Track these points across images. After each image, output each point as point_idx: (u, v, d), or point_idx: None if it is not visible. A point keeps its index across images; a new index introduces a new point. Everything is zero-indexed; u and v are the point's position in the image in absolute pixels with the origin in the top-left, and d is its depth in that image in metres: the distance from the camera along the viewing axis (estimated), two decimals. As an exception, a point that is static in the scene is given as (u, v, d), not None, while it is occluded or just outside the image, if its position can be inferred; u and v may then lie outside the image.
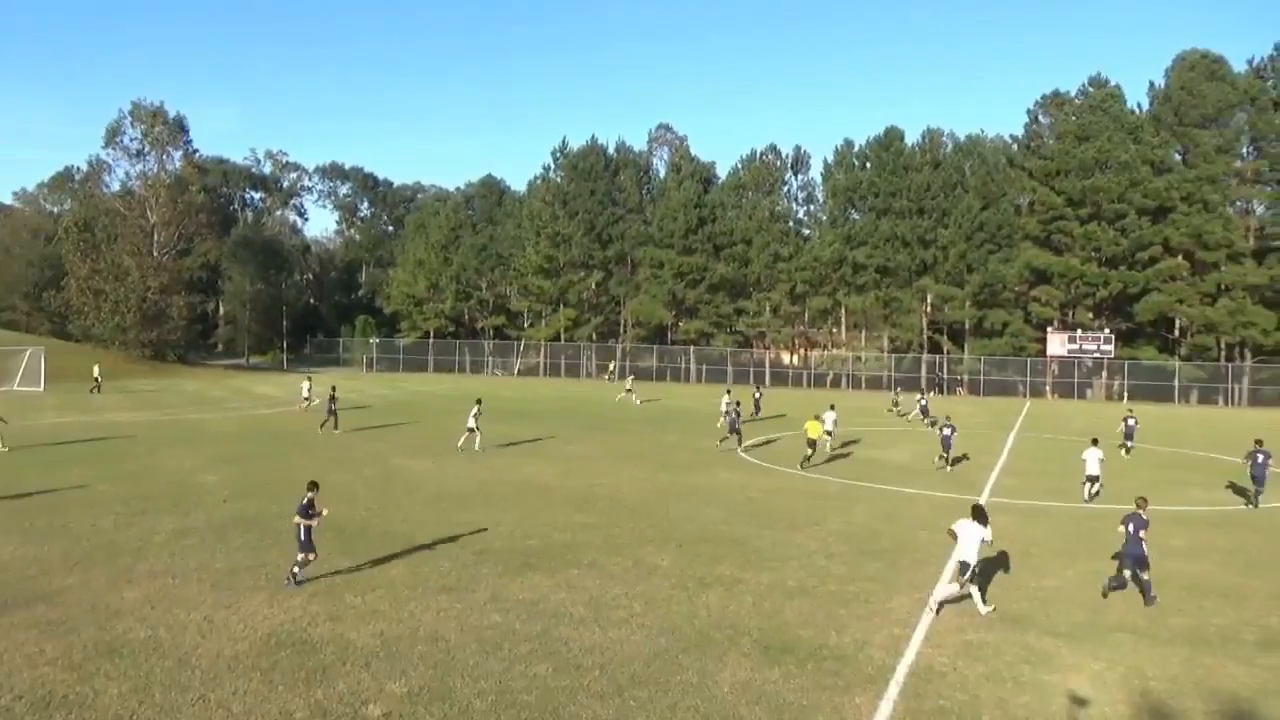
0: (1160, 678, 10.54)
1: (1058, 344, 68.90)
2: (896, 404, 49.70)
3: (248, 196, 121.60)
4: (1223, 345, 68.00)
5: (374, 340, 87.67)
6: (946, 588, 13.25)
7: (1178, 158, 69.24)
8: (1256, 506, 22.74)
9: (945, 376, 72.27)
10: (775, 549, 16.25)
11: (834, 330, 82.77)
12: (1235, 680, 10.54)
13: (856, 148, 79.33)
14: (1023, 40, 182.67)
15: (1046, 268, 69.88)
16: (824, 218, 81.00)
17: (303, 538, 13.14)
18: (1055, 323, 71.51)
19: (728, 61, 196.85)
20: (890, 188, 74.40)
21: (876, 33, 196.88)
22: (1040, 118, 78.43)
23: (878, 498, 22.12)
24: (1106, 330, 68.91)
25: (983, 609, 12.71)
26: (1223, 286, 66.63)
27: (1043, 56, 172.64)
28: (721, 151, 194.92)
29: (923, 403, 43.15)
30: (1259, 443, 23.78)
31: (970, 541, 12.84)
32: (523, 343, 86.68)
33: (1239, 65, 69.51)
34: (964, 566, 12.83)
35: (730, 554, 15.75)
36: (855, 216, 78.04)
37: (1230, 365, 67.71)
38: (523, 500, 20.33)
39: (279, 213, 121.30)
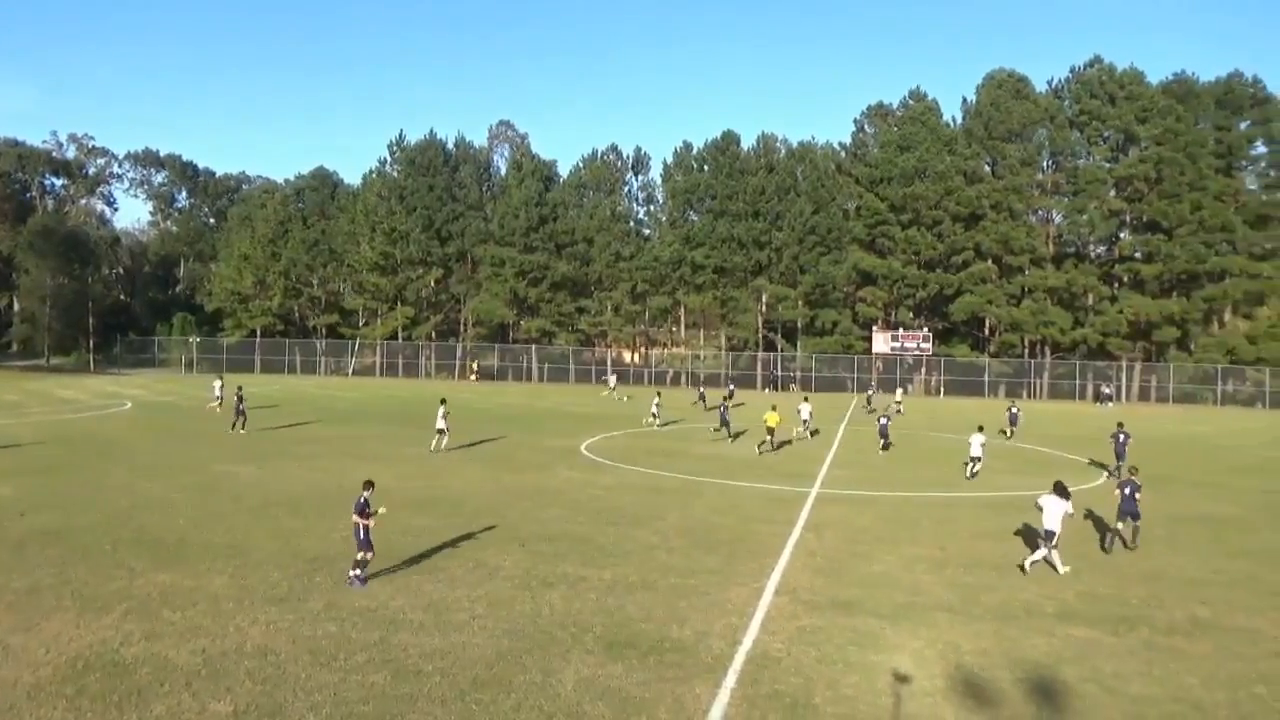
0: (973, 651, 11.32)
1: (882, 342, 72.94)
2: (869, 402, 52.87)
3: (48, 183, 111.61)
4: (1026, 343, 73.85)
5: (194, 339, 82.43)
6: (1039, 553, 15.35)
7: (987, 169, 74.61)
8: (1119, 477, 25.66)
9: (779, 374, 75.01)
10: (617, 545, 16.39)
11: (673, 329, 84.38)
12: (1037, 650, 11.46)
13: (695, 150, 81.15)
14: (850, 52, 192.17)
15: (872, 270, 73.83)
16: (664, 218, 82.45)
17: (361, 536, 13.24)
18: (879, 322, 75.62)
19: (569, 60, 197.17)
20: (727, 190, 76.54)
21: (713, 38, 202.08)
22: (866, 127, 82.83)
23: (716, 492, 22.69)
24: (925, 329, 73.50)
25: (1060, 569, 15.08)
26: (1026, 289, 72.38)
27: (868, 69, 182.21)
28: (563, 150, 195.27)
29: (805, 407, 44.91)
30: (1120, 425, 28.73)
31: (1054, 513, 15.15)
32: (358, 342, 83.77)
33: (1041, 85, 75.83)
34: (1049, 535, 15.15)
35: (573, 552, 15.77)
36: (694, 217, 79.82)
37: (1033, 361, 73.64)
38: (359, 504, 19.62)
39: (84, 201, 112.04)
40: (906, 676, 10.38)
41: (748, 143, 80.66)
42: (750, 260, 75.52)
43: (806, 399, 38.41)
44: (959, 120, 77.32)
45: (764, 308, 78.24)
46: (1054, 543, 15.15)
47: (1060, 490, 15.48)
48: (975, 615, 12.87)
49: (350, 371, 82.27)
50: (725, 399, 39.14)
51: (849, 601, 13.27)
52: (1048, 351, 73.78)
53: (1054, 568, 15.18)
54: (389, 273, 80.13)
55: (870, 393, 56.41)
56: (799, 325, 77.64)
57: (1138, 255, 72.31)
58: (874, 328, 74.43)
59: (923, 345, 72.20)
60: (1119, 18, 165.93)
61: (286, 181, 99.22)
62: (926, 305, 76.28)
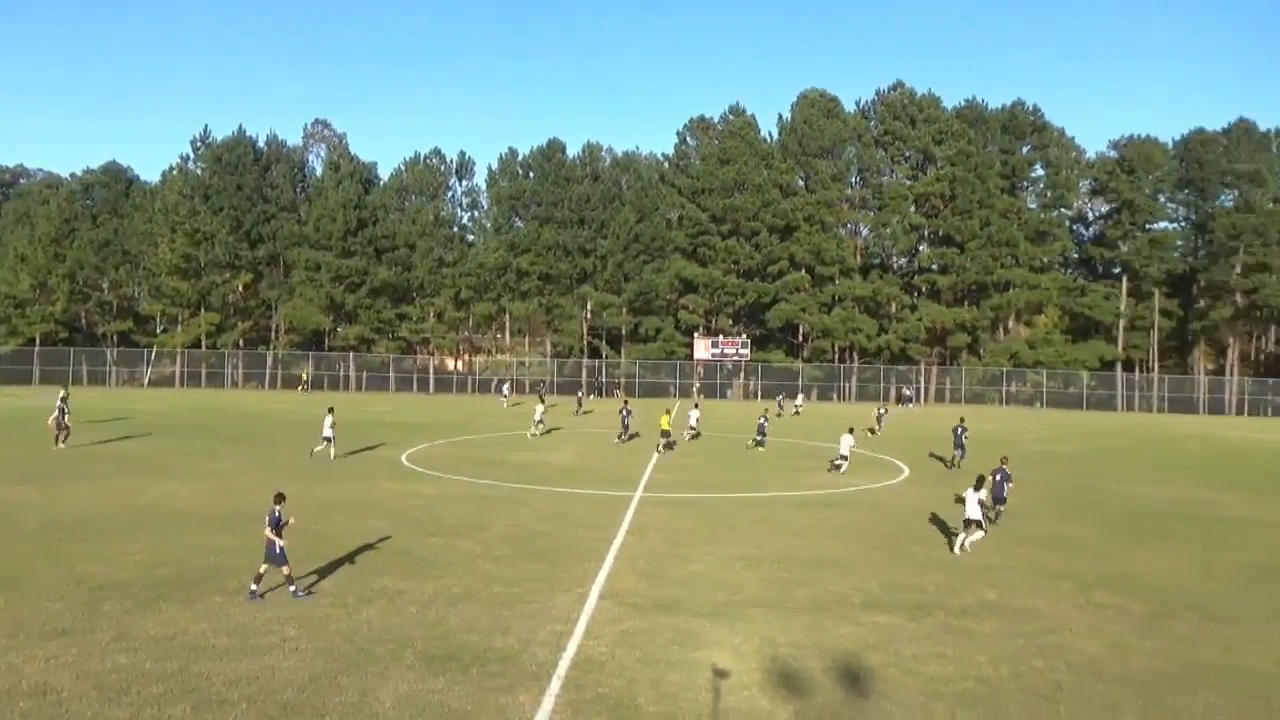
0: (787, 643, 11.79)
1: (703, 348, 75.17)
2: (781, 408, 57.31)
3: None
4: (836, 349, 78.03)
5: (-42, 348, 74.18)
6: (973, 537, 17.52)
7: (801, 183, 78.39)
8: (959, 468, 29.99)
9: (604, 380, 75.72)
10: (439, 557, 16.01)
11: (498, 336, 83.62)
12: (846, 639, 12.08)
13: (520, 157, 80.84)
14: (673, 65, 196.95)
15: (693, 278, 75.93)
16: (488, 224, 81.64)
17: (276, 551, 13.01)
18: (701, 329, 77.84)
19: (389, 60, 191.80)
20: (552, 198, 76.70)
21: (538, 45, 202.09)
22: (688, 139, 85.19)
23: (542, 499, 22.59)
24: (744, 336, 76.30)
25: (967, 548, 17.39)
26: (836, 297, 76.53)
27: (690, 82, 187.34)
28: (383, 152, 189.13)
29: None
30: (962, 420, 33.09)
31: (973, 504, 17.41)
32: (154, 350, 77.94)
33: (850, 106, 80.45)
34: (967, 523, 17.45)
35: (392, 565, 15.28)
36: (519, 224, 79.51)
37: (842, 366, 77.88)
38: (155, 525, 18.22)
39: None
40: (725, 672, 10.68)
41: (573, 151, 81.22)
42: (575, 268, 75.93)
43: (697, 405, 42.82)
44: (775, 136, 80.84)
45: (589, 315, 78.85)
46: (975, 528, 17.47)
47: (977, 484, 17.94)
48: (789, 609, 13.41)
49: (146, 382, 76.40)
50: (624, 404, 40.59)
51: (671, 602, 13.52)
52: (855, 356, 78.25)
53: (962, 547, 17.44)
54: (191, 276, 75.15)
55: (780, 399, 62.25)
56: (623, 332, 78.71)
57: (935, 267, 78.02)
58: (695, 334, 76.56)
59: (741, 351, 74.98)
60: (919, 45, 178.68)
61: (73, 176, 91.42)
62: (745, 313, 79.21)
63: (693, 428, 38.53)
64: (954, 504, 23.39)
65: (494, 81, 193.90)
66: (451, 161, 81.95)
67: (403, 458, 30.08)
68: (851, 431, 30.10)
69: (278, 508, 13.41)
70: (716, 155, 77.50)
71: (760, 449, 34.94)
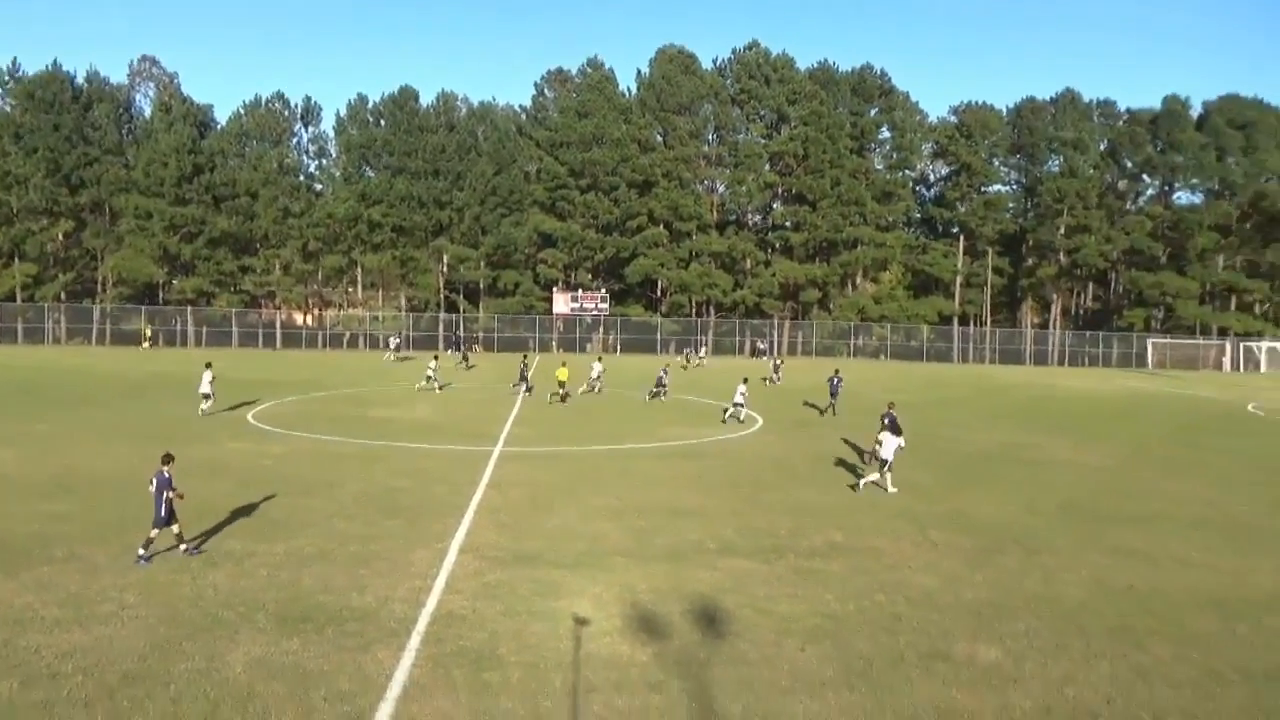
0: (647, 590, 12.07)
1: (562, 303, 74.98)
2: (689, 361, 60.13)
3: None
4: (693, 303, 79.38)
5: None
6: (872, 476, 19.08)
7: (659, 139, 78.64)
8: (835, 414, 32.06)
9: (462, 335, 74.50)
10: (291, 517, 15.49)
11: (350, 289, 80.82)
12: (703, 583, 12.47)
13: (371, 104, 77.62)
14: (529, 15, 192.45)
15: (552, 232, 75.36)
16: (337, 174, 78.24)
17: (163, 513, 12.76)
18: (560, 283, 77.53)
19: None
20: (406, 147, 74.18)
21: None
22: (546, 91, 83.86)
23: (398, 456, 22.16)
24: (603, 290, 76.51)
25: (890, 489, 18.67)
26: (693, 253, 77.64)
27: (548, 32, 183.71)
28: (220, 94, 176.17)
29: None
30: (837, 371, 35.07)
31: (890, 446, 18.79)
32: (-40, 305, 71.16)
33: (707, 63, 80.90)
34: (884, 463, 18.82)
35: (241, 528, 14.69)
36: (370, 174, 76.58)
37: (700, 320, 79.35)
38: (-30, 492, 16.83)
39: None
40: (586, 619, 10.85)
41: (427, 99, 78.57)
42: (430, 220, 73.96)
43: (600, 359, 43.23)
44: (634, 91, 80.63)
45: (445, 268, 77.16)
46: (887, 469, 18.78)
47: (894, 428, 19.61)
48: (649, 556, 13.72)
49: (-46, 339, 69.81)
50: (524, 357, 41.88)
51: (532, 554, 13.59)
52: (712, 311, 79.88)
53: (884, 488, 18.76)
54: (2, 224, 68.73)
55: (688, 351, 65.37)
56: (481, 286, 77.51)
57: (788, 224, 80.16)
58: (554, 289, 76.19)
59: (600, 306, 75.24)
60: (773, 6, 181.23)
61: None
62: (604, 267, 79.32)
63: (592, 380, 38.81)
64: (806, 454, 24.41)
65: (340, 23, 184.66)
66: (296, 106, 77.78)
67: (249, 416, 28.81)
68: (746, 381, 31.36)
69: (166, 468, 12.95)
70: (575, 109, 76.68)
71: (660, 399, 36.50)
